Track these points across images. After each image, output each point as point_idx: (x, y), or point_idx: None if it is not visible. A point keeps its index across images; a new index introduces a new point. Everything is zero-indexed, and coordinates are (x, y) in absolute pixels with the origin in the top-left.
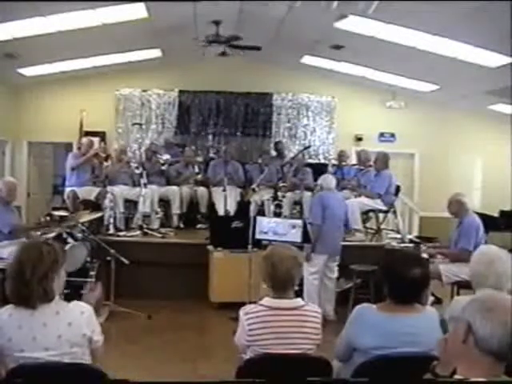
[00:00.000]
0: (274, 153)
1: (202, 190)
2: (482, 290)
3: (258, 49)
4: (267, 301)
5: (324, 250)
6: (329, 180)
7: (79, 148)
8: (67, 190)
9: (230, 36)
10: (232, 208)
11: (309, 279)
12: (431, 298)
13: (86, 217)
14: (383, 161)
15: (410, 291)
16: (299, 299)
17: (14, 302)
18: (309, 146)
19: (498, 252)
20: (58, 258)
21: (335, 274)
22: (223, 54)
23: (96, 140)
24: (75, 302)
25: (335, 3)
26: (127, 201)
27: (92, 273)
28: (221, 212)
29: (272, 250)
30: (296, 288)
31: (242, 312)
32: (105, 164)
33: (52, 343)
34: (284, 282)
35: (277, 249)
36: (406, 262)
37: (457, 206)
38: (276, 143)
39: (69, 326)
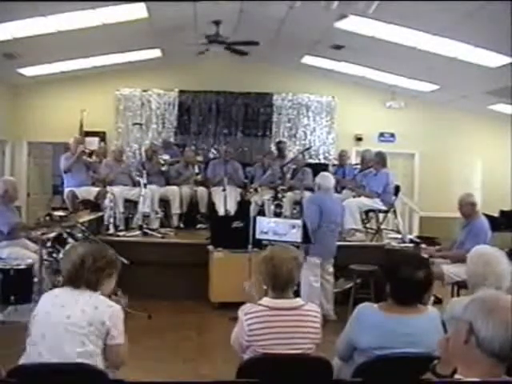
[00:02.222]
0: (275, 153)
1: (201, 189)
2: (482, 289)
3: (256, 44)
4: (267, 301)
5: (318, 252)
6: (328, 180)
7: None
8: (66, 190)
9: (245, 41)
10: (232, 208)
11: (306, 283)
12: (431, 298)
13: (86, 217)
14: (379, 160)
15: (414, 293)
16: (299, 299)
17: (65, 282)
18: (310, 147)
19: (494, 252)
20: (115, 263)
21: (332, 276)
22: (203, 52)
23: (95, 140)
24: (109, 300)
25: (335, 3)
26: (127, 201)
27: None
28: (221, 212)
29: (272, 252)
30: (294, 288)
31: (241, 312)
32: (89, 160)
33: (74, 314)
34: (285, 283)
35: (277, 250)
36: (411, 264)
37: (470, 209)
38: (278, 143)
39: (94, 309)
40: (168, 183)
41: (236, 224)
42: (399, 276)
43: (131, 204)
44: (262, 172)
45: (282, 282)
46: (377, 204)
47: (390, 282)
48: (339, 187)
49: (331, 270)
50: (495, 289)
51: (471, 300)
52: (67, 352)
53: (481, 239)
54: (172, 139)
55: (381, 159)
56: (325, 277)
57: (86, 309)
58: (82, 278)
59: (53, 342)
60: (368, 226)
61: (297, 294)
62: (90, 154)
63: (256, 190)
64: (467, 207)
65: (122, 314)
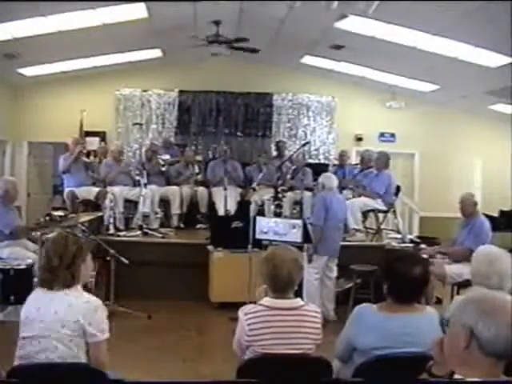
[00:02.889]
0: (274, 152)
1: (201, 189)
2: (474, 288)
3: (257, 51)
4: (267, 301)
5: (325, 251)
6: (331, 179)
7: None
8: (66, 190)
9: (237, 38)
10: (232, 208)
11: (309, 280)
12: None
13: (86, 217)
14: (383, 161)
15: (410, 290)
16: (299, 299)
17: (40, 285)
18: (307, 143)
19: (499, 252)
20: (82, 246)
21: (335, 274)
22: (216, 54)
23: (95, 140)
24: (88, 295)
25: (335, 3)
26: (127, 201)
27: (92, 273)
28: (221, 212)
29: (273, 252)
30: (295, 288)
31: (241, 312)
32: (87, 160)
33: (48, 317)
34: (285, 284)
35: (278, 251)
36: (406, 261)
37: (471, 208)
38: (277, 142)
39: (67, 307)
40: (168, 183)
41: (236, 224)
42: (395, 273)
43: (131, 204)
44: (259, 172)
45: (282, 283)
46: (378, 204)
47: (386, 281)
48: (339, 187)
49: (335, 267)
50: (497, 289)
51: (466, 303)
52: (40, 359)
53: (482, 239)
54: (172, 139)
55: (384, 160)
56: (328, 275)
57: (58, 309)
58: (55, 279)
59: (30, 348)
60: (368, 225)
61: (297, 295)
62: (88, 155)
63: (254, 189)
64: (469, 207)
65: (100, 308)
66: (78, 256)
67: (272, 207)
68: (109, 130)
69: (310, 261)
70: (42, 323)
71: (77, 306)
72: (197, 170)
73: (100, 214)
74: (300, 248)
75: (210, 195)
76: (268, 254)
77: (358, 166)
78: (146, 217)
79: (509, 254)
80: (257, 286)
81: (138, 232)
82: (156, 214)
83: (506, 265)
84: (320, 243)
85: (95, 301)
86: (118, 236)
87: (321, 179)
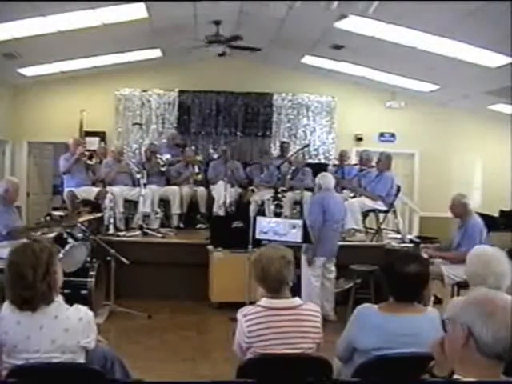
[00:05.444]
0: (275, 153)
1: (201, 190)
2: (475, 289)
3: (258, 49)
4: (265, 301)
5: (323, 252)
6: (328, 179)
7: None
8: (66, 190)
9: (232, 36)
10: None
11: (310, 281)
12: (432, 298)
13: (86, 217)
14: (386, 162)
15: (409, 288)
16: (297, 298)
17: (17, 305)
18: (308, 145)
19: (494, 253)
20: (52, 252)
21: (333, 275)
22: (223, 54)
23: (95, 140)
24: (76, 307)
25: (335, 3)
26: (127, 201)
27: (92, 273)
28: (218, 205)
29: (260, 254)
30: (290, 285)
31: (239, 314)
32: (89, 162)
33: (44, 347)
34: (277, 283)
35: (265, 252)
36: (405, 260)
37: (461, 208)
38: (282, 143)
39: (65, 332)
40: (168, 183)
41: (236, 224)
42: (394, 272)
43: (131, 204)
44: (260, 172)
45: (274, 283)
46: (378, 205)
47: (386, 279)
48: (339, 187)
49: (333, 268)
50: (495, 288)
51: (467, 302)
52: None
53: (476, 239)
54: (177, 137)
55: (386, 162)
56: (326, 276)
57: (55, 337)
58: (34, 297)
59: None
60: (368, 225)
61: (294, 293)
62: (91, 157)
63: (252, 190)
64: (458, 207)
65: (92, 317)
66: (50, 263)
67: (272, 207)
68: (109, 130)
69: (309, 263)
70: (38, 353)
71: (74, 329)
72: (197, 170)
73: (100, 214)
74: (299, 248)
75: (209, 195)
76: (256, 257)
77: (358, 166)
78: (146, 217)
79: (504, 253)
80: (256, 286)
81: (138, 232)
82: (156, 213)
83: (501, 264)
84: (319, 245)
85: (85, 313)
86: (118, 236)
87: (318, 180)
